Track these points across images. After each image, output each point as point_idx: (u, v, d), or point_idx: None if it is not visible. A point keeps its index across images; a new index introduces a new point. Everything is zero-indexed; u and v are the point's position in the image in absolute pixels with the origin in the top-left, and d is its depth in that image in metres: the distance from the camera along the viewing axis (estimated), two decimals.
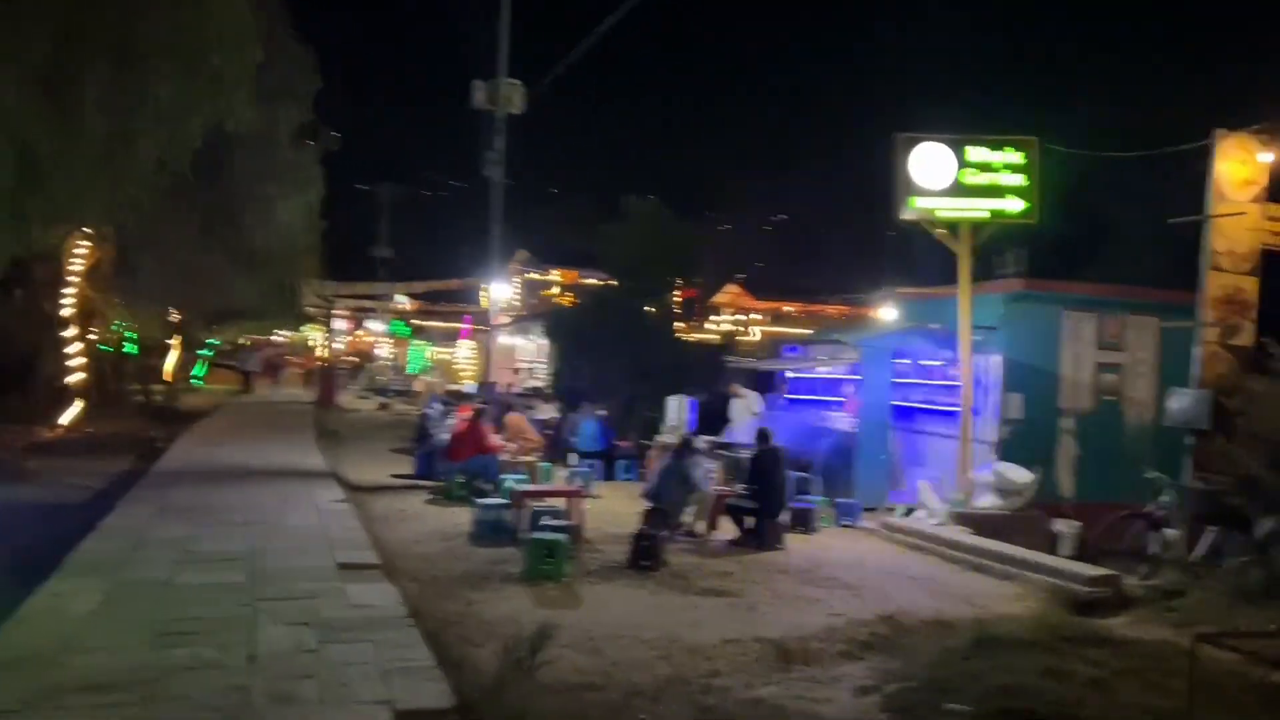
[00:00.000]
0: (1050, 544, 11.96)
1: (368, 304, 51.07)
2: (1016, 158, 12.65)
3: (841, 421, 15.59)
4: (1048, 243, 16.03)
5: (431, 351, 46.74)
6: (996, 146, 12.71)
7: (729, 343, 36.44)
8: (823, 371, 17.37)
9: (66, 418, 19.33)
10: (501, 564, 9.34)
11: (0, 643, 5.96)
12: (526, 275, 50.01)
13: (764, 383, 18.37)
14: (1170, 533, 10.50)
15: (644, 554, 9.54)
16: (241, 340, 43.49)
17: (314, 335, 53.49)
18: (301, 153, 22.16)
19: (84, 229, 18.10)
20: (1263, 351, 9.70)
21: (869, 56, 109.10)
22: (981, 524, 11.86)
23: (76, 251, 20.00)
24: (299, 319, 41.86)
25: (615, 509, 12.77)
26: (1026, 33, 71.18)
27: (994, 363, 13.91)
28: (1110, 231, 20.03)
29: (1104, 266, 17.40)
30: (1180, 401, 10.64)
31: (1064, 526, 12.33)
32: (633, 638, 7.19)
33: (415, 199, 43.43)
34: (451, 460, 13.44)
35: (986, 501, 12.63)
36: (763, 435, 12.06)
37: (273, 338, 50.41)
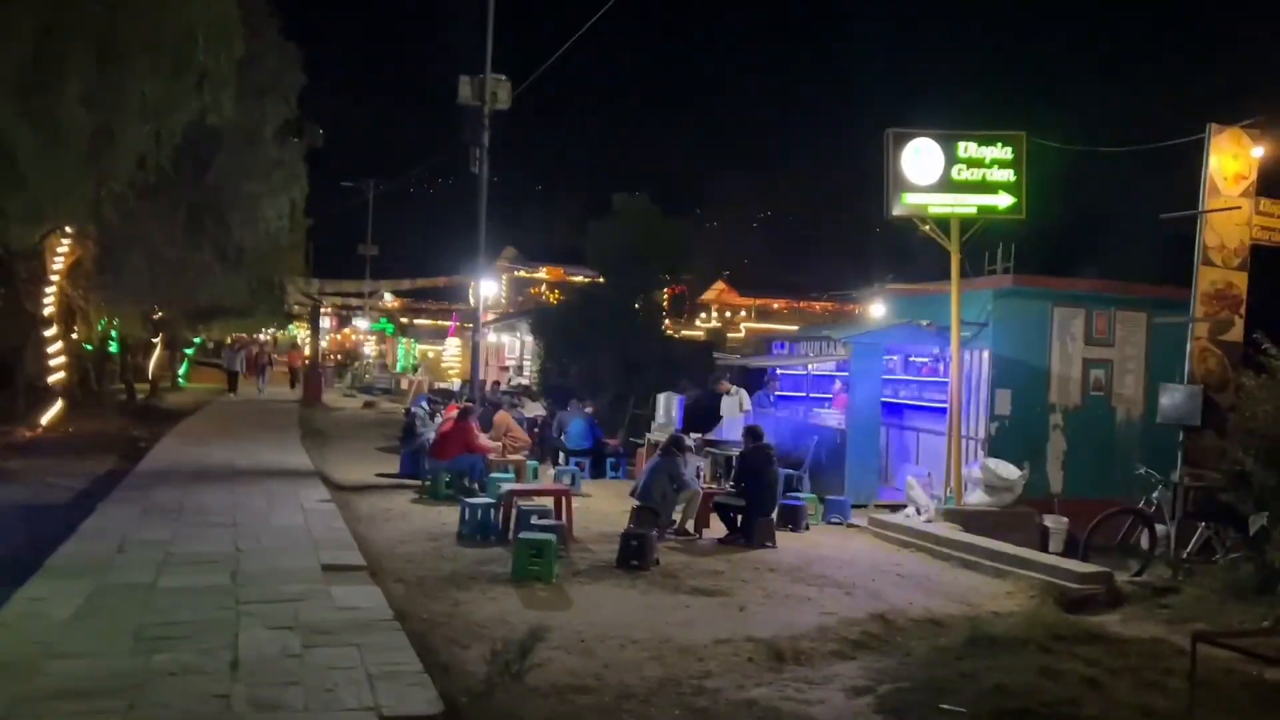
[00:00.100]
0: (1040, 540, 11.96)
1: (354, 302, 50.80)
2: (1006, 153, 12.61)
3: (830, 418, 15.56)
4: (1037, 238, 16.02)
5: (418, 349, 46.59)
6: (986, 142, 12.66)
7: (716, 339, 36.43)
8: (812, 368, 17.33)
9: (47, 417, 19.14)
10: (489, 564, 9.24)
11: None
12: (514, 273, 49.72)
13: (753, 380, 18.31)
14: (1161, 529, 10.48)
15: (633, 553, 9.45)
16: (227, 339, 43.26)
17: (300, 333, 53.26)
18: (286, 149, 22.00)
19: (66, 227, 17.89)
20: (1253, 346, 9.66)
21: (859, 52, 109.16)
22: (971, 520, 11.84)
23: (58, 249, 19.81)
24: (285, 317, 41.65)
25: (604, 508, 12.69)
26: (1017, 29, 71.43)
27: (983, 358, 13.90)
28: (1100, 227, 20.05)
29: (1093, 262, 17.39)
30: (1172, 397, 10.61)
31: (1053, 523, 12.34)
32: (623, 638, 7.10)
33: (401, 196, 43.11)
34: (438, 459, 13.32)
35: (976, 498, 12.61)
36: (752, 433, 11.98)
37: (259, 336, 50.15)
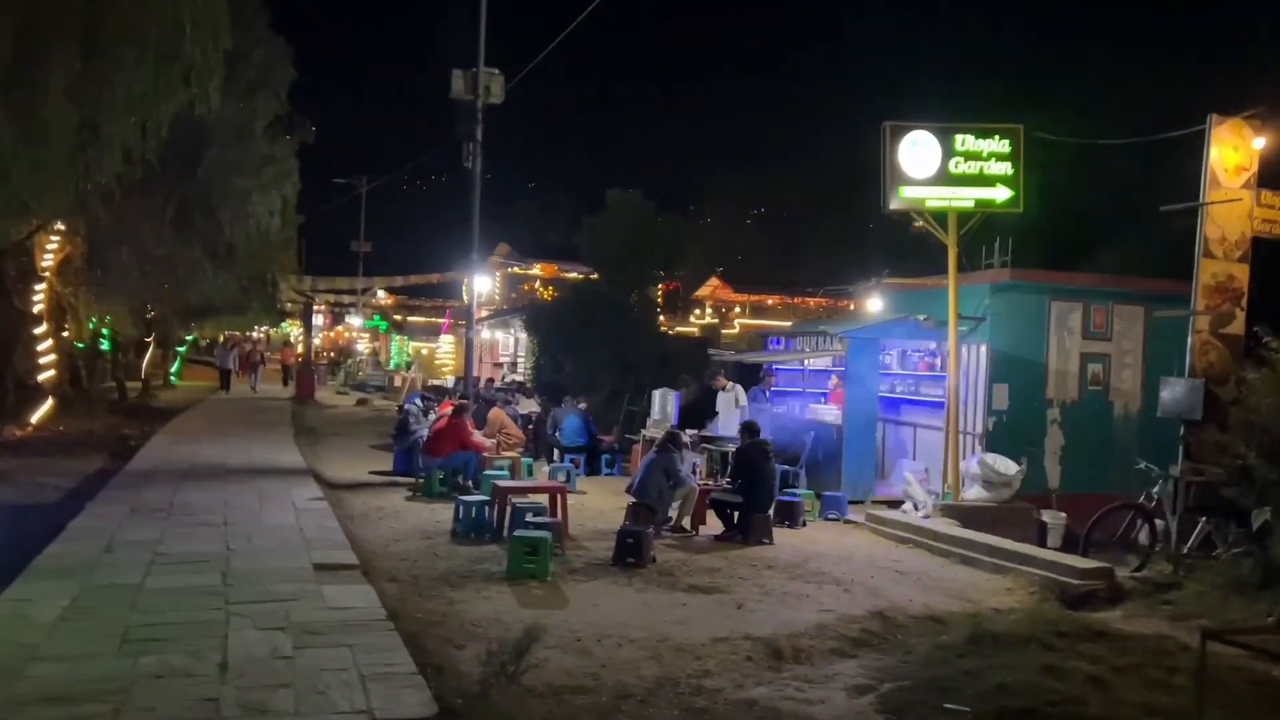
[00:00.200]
0: (1038, 535, 11.88)
1: (347, 299, 50.63)
2: (1003, 146, 12.50)
3: (827, 414, 15.46)
4: (1034, 232, 15.94)
5: (411, 346, 46.46)
6: (984, 135, 12.55)
7: (710, 335, 36.35)
8: (808, 363, 17.23)
9: (37, 416, 18.97)
10: (483, 562, 9.13)
11: None
12: (508, 269, 49.59)
13: (748, 375, 18.20)
14: (1161, 524, 10.39)
15: (629, 551, 9.34)
16: (220, 337, 43.08)
17: (293, 331, 53.06)
18: (277, 145, 21.80)
19: (54, 223, 17.71)
20: (1255, 340, 9.57)
21: (854, 44, 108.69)
22: (969, 516, 11.76)
23: (48, 246, 19.63)
24: (277, 314, 41.45)
25: (599, 505, 12.59)
26: (1014, 21, 71.27)
27: (980, 353, 13.81)
28: (1099, 220, 19.98)
29: (1092, 256, 17.32)
30: (1173, 391, 10.52)
31: (1051, 518, 12.26)
32: (620, 637, 6.99)
33: (395, 193, 42.92)
34: (432, 456, 13.20)
35: (974, 493, 12.53)
36: (749, 428, 11.88)
37: (251, 334, 49.95)
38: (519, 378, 27.23)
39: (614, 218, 24.26)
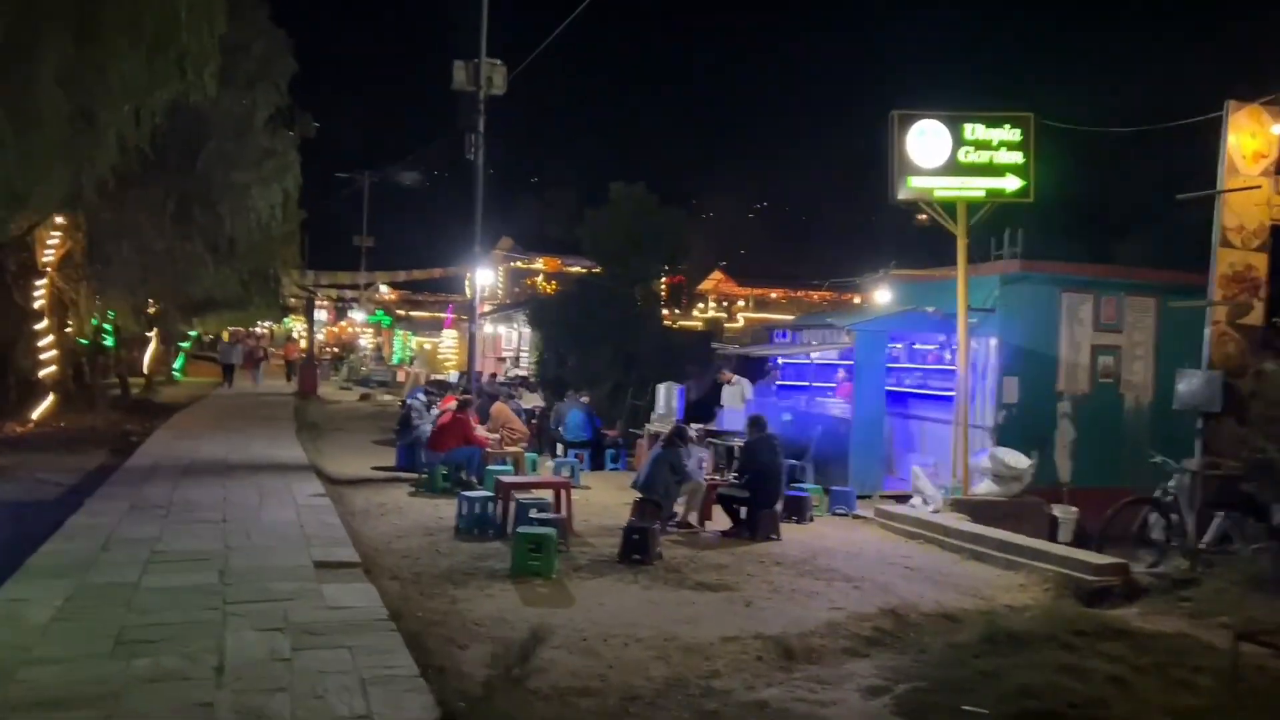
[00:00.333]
0: (1049, 530, 11.71)
1: (349, 294, 50.44)
2: (1014, 135, 12.33)
3: (834, 407, 15.30)
4: (1045, 222, 15.73)
5: (414, 341, 46.31)
6: (994, 123, 12.38)
7: (713, 329, 36.18)
8: (815, 356, 17.05)
9: (38, 412, 18.86)
10: (487, 559, 8.97)
11: None
12: (511, 263, 49.40)
13: (754, 369, 18.04)
14: (1177, 519, 10.20)
15: (635, 547, 9.18)
16: (224, 334, 42.98)
17: (296, 326, 52.95)
18: (278, 138, 21.61)
19: (53, 216, 17.57)
20: (1274, 330, 9.38)
21: (860, 32, 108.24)
22: (979, 511, 11.61)
23: (48, 241, 19.50)
24: (280, 310, 41.32)
25: (604, 500, 12.44)
26: (1024, 6, 70.74)
27: (990, 346, 13.63)
28: (1113, 209, 19.76)
29: (1103, 246, 17.13)
30: (1189, 383, 10.30)
31: (1062, 512, 12.09)
32: (627, 637, 6.83)
33: (397, 187, 42.65)
34: (435, 451, 13.05)
35: (984, 487, 12.38)
36: (756, 422, 11.70)
37: (254, 329, 49.83)
38: (522, 372, 27.09)
39: (617, 211, 24.08)
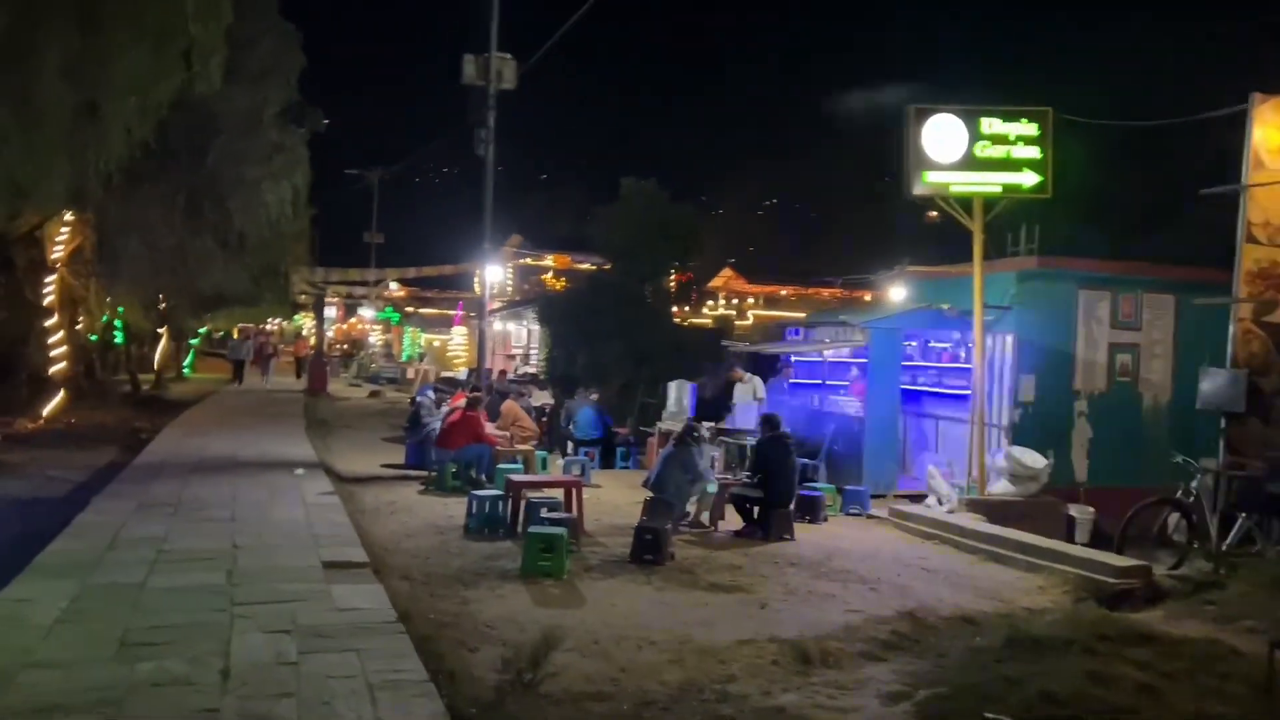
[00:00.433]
0: (1066, 531, 11.55)
1: (359, 290, 50.36)
2: (1031, 129, 12.13)
3: (848, 406, 15.13)
4: (1063, 218, 15.52)
5: (424, 338, 46.26)
6: (1010, 118, 12.18)
7: (723, 326, 35.97)
8: (828, 354, 16.88)
9: (49, 408, 18.83)
10: (498, 559, 8.85)
11: None
12: (521, 260, 49.28)
13: (766, 367, 17.87)
14: (1198, 520, 10.02)
15: (647, 547, 9.04)
16: (234, 331, 42.97)
17: (306, 323, 52.94)
18: (287, 134, 21.56)
19: (62, 212, 17.52)
20: None
21: (875, 26, 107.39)
22: (995, 511, 11.45)
23: (58, 237, 19.48)
24: (290, 306, 41.28)
25: (615, 499, 12.30)
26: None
27: (1006, 343, 13.45)
28: (1135, 205, 19.53)
29: (1123, 242, 16.90)
30: (1213, 382, 10.12)
31: (1079, 513, 11.93)
32: (640, 639, 6.69)
33: (407, 184, 42.66)
34: (444, 449, 12.94)
35: (1000, 487, 12.22)
36: (769, 421, 11.55)
37: (265, 326, 49.85)
38: (532, 369, 26.97)
39: (627, 207, 23.86)
